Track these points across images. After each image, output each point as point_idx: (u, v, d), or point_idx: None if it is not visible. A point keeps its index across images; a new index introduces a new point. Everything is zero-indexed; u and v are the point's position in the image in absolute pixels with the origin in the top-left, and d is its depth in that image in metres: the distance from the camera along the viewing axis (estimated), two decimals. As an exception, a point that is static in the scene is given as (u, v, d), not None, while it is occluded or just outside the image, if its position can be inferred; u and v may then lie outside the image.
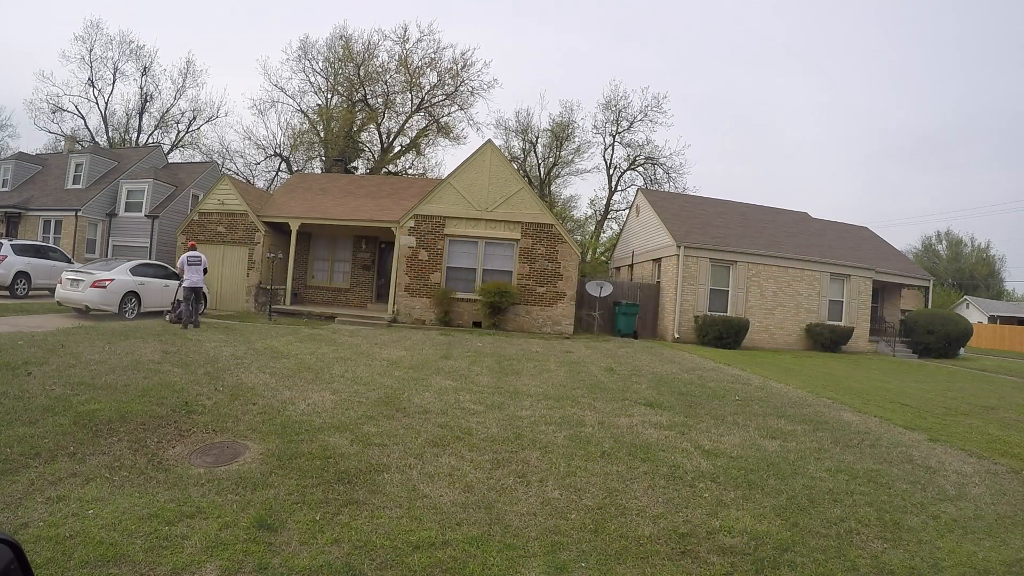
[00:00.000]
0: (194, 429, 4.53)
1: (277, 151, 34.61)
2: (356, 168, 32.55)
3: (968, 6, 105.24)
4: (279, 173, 34.80)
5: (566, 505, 3.52)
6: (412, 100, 33.39)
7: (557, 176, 36.99)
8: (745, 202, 23.20)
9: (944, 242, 59.86)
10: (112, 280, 11.62)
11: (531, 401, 6.38)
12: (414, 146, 34.78)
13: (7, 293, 14.10)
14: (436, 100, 33.68)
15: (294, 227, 17.21)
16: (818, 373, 11.78)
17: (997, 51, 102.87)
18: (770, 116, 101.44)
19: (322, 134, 32.97)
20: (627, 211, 29.76)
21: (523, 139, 35.89)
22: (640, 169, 35.34)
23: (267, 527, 2.94)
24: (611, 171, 35.81)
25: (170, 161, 28.47)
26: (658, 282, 18.56)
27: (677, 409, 6.48)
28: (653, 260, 19.29)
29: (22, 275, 14.37)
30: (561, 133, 35.34)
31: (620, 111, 34.46)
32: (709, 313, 17.10)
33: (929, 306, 22.16)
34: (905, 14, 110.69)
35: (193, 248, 11.84)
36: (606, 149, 35.66)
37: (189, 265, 11.18)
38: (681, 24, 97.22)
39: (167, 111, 36.54)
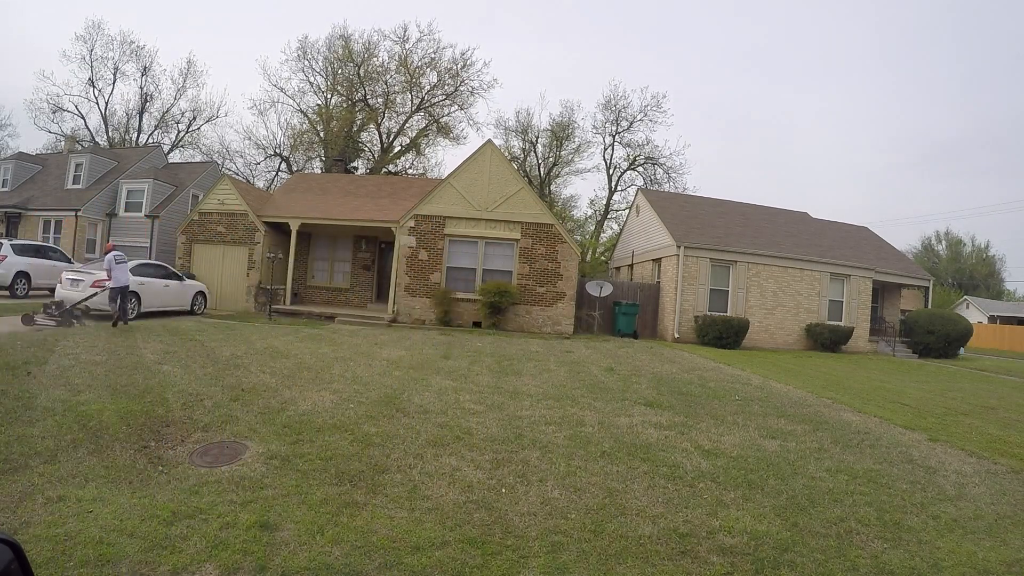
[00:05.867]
0: (194, 429, 4.53)
1: (277, 151, 34.63)
2: (356, 168, 32.52)
3: (969, 10, 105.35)
4: (279, 173, 34.83)
5: (566, 505, 3.52)
6: (412, 100, 33.39)
7: (557, 176, 36.98)
8: (745, 202, 23.20)
9: (944, 242, 59.81)
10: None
11: (531, 401, 6.38)
12: (414, 146, 34.77)
13: (7, 293, 14.09)
14: (436, 100, 33.69)
15: (294, 227, 17.21)
16: (818, 373, 11.77)
17: (1002, 57, 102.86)
18: (771, 117, 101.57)
19: (322, 134, 32.95)
20: (627, 211, 29.74)
21: (523, 139, 35.91)
22: (640, 169, 35.35)
23: (267, 527, 2.94)
24: (611, 171, 35.83)
25: (170, 161, 28.45)
26: (658, 282, 18.56)
27: (677, 409, 6.48)
28: (653, 260, 19.29)
29: (22, 275, 14.37)
30: (561, 133, 35.33)
31: (620, 111, 34.47)
32: (709, 313, 17.10)
33: (929, 306, 22.15)
34: (908, 16, 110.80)
35: (113, 249, 11.25)
36: (606, 149, 35.69)
37: (117, 264, 10.74)
38: (681, 25, 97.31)
39: (167, 111, 36.56)
